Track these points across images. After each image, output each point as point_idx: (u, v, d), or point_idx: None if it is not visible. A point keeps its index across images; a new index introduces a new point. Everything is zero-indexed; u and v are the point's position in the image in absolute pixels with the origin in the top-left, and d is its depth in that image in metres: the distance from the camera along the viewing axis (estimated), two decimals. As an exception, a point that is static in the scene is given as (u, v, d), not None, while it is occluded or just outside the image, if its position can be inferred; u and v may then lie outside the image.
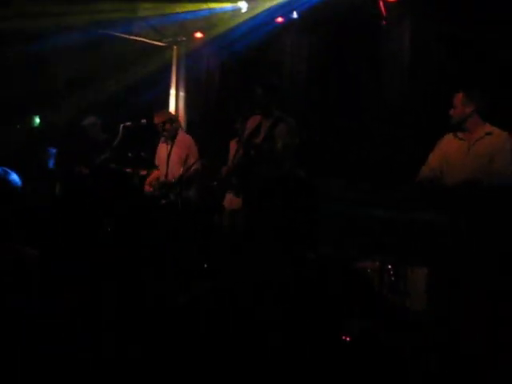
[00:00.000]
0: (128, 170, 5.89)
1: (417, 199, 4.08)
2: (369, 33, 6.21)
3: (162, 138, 6.02)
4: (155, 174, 6.04)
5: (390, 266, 5.01)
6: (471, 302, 3.60)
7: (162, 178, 5.87)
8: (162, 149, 6.01)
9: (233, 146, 5.93)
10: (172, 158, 5.81)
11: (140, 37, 7.60)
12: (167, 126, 5.89)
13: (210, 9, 6.93)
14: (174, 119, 6.08)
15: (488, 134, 4.06)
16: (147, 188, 5.92)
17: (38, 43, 6.65)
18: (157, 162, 6.01)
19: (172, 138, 5.91)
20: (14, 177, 2.65)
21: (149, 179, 5.98)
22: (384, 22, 6.05)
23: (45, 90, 7.03)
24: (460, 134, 4.18)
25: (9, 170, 2.64)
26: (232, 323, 2.04)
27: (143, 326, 2.84)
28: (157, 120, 5.92)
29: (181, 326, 2.10)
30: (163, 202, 5.64)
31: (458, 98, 4.15)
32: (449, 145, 4.23)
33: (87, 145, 6.47)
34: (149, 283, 4.18)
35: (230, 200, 5.72)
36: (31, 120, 6.54)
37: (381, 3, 5.96)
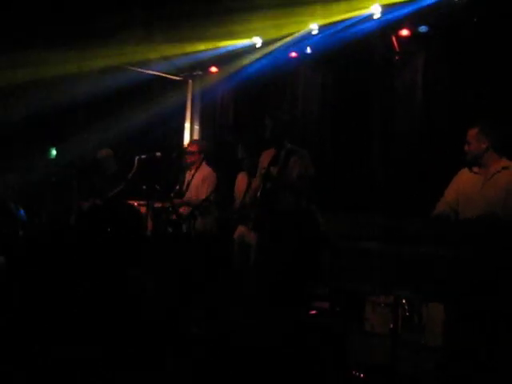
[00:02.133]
0: (142, 202, 5.93)
1: (431, 233, 4.05)
2: (382, 68, 6.26)
3: (189, 167, 6.15)
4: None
5: (404, 301, 4.96)
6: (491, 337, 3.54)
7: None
8: (187, 177, 6.17)
9: (240, 179, 5.98)
10: (191, 188, 5.96)
11: (157, 71, 7.73)
12: (194, 156, 6.02)
13: (225, 45, 7.04)
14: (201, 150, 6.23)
15: (505, 168, 4.04)
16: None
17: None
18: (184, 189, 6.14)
19: (196, 167, 6.05)
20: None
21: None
22: (397, 58, 6.10)
23: (62, 123, 7.14)
24: (475, 169, 4.16)
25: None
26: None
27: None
28: (191, 148, 6.14)
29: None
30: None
31: (473, 133, 4.13)
32: (464, 180, 4.21)
33: (100, 177, 6.54)
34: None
35: (241, 233, 5.74)
36: (48, 152, 6.61)
37: (394, 39, 6.02)
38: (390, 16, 5.82)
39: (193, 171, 6.10)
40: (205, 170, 6.10)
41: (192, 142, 6.40)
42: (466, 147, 4.16)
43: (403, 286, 4.29)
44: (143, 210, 5.86)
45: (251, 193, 5.35)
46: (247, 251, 5.60)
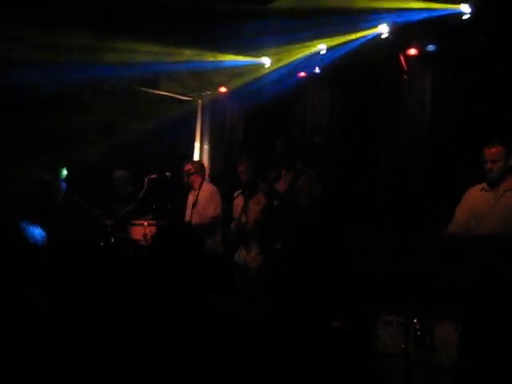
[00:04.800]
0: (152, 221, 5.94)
1: (443, 251, 4.03)
2: (390, 87, 6.29)
3: (191, 187, 6.16)
4: None
5: (415, 321, 4.92)
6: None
7: None
8: (190, 197, 6.16)
9: (237, 200, 5.89)
10: (197, 207, 5.98)
11: (167, 91, 7.80)
12: (192, 176, 6.05)
13: (234, 65, 7.11)
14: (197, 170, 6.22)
15: (515, 185, 4.02)
16: None
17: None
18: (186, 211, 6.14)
19: (198, 187, 6.06)
20: (36, 232, 2.60)
21: None
22: (405, 77, 6.12)
23: (74, 141, 7.19)
24: (486, 187, 4.14)
25: (29, 226, 2.59)
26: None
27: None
28: (186, 169, 6.15)
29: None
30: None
31: (499, 151, 4.04)
32: (475, 198, 4.18)
33: (114, 197, 6.57)
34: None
35: (242, 254, 5.66)
36: (59, 172, 6.64)
37: (402, 58, 6.05)
38: (397, 35, 5.86)
39: (196, 191, 6.11)
40: (210, 189, 6.13)
41: (187, 162, 6.37)
42: (491, 165, 4.03)
43: (415, 306, 4.26)
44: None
45: (256, 213, 5.35)
46: (247, 273, 5.55)
